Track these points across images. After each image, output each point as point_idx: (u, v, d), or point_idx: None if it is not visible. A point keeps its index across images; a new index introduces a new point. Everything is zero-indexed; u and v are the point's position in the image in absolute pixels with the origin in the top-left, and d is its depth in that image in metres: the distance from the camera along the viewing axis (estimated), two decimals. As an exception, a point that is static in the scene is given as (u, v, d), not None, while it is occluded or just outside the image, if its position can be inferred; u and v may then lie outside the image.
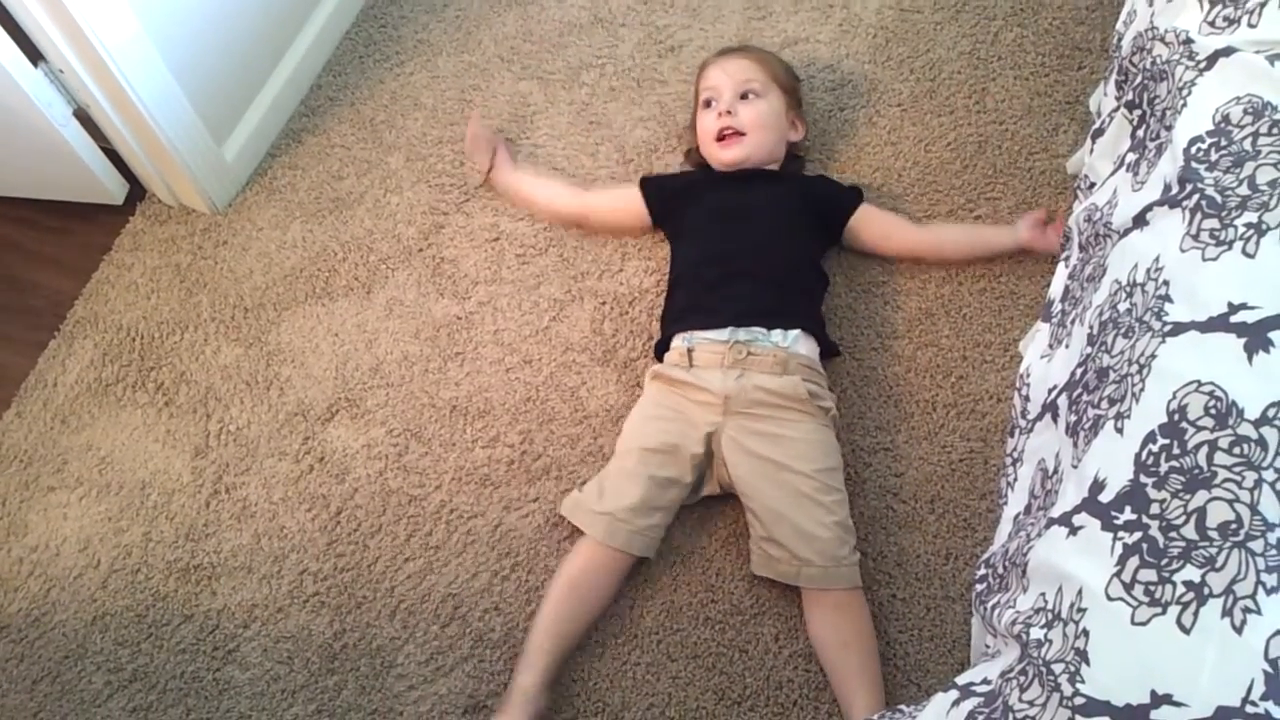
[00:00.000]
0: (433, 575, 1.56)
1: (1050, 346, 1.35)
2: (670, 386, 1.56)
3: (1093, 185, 1.50)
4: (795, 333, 1.55)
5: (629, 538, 1.47)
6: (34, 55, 1.63)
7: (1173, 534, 0.93)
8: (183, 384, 1.75)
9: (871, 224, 1.72)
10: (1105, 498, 0.99)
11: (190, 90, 1.77)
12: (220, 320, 1.81)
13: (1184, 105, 1.20)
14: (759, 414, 1.50)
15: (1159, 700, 0.85)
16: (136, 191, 1.94)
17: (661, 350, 1.63)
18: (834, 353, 1.63)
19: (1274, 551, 0.88)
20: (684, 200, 1.73)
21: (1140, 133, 1.34)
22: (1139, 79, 1.36)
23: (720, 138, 1.71)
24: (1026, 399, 1.36)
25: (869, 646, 1.42)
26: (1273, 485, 0.91)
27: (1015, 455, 1.34)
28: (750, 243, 1.63)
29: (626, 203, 1.78)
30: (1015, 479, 1.32)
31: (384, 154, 1.95)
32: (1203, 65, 1.21)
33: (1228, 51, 1.20)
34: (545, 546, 1.56)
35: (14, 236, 1.94)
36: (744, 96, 1.72)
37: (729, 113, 1.71)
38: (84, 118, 1.75)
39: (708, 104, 1.75)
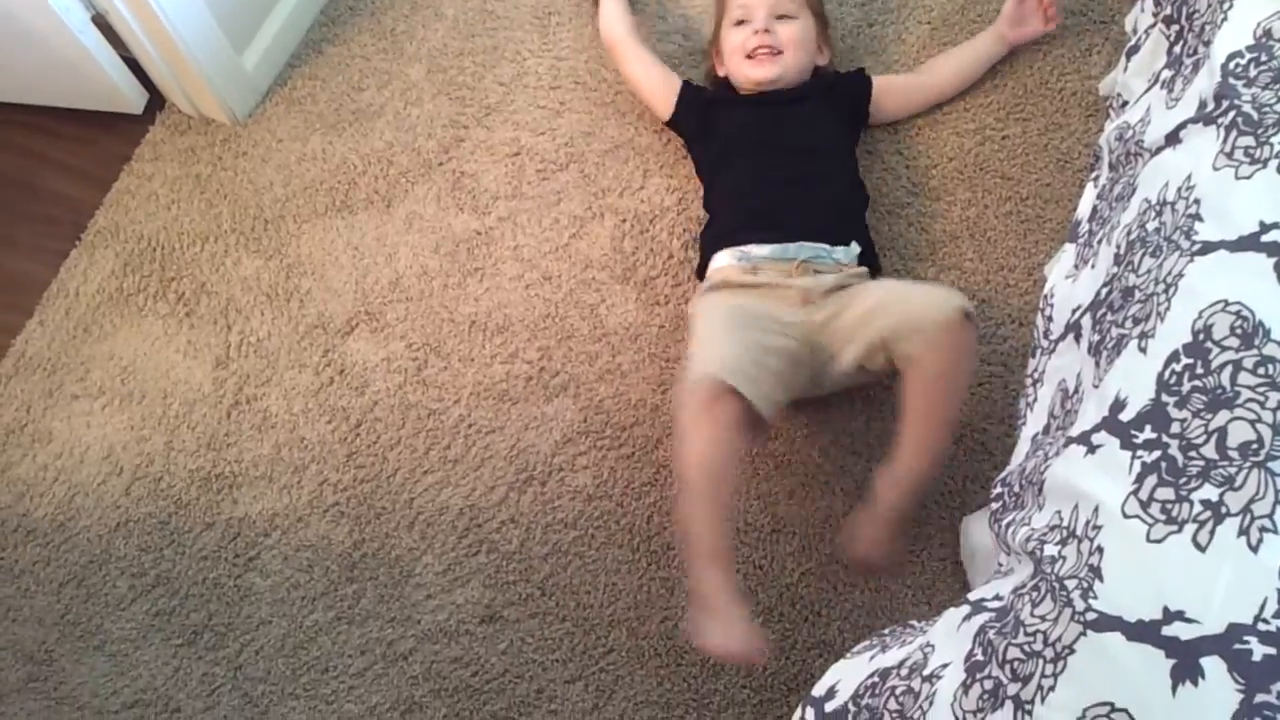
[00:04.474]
0: (450, 488, 1.57)
1: (1076, 267, 1.33)
2: (739, 289, 1.52)
3: (1125, 104, 1.46)
4: (855, 249, 1.55)
5: (747, 380, 1.35)
6: (51, -42, 1.61)
7: (1192, 453, 0.92)
8: (203, 295, 1.76)
9: (890, 97, 1.75)
10: (1126, 416, 0.98)
11: (210, -4, 1.75)
12: (240, 232, 1.80)
13: (1224, 20, 1.16)
14: (835, 294, 1.50)
15: (1171, 617, 0.85)
16: (156, 101, 1.92)
17: (703, 272, 1.61)
18: (877, 271, 1.62)
19: (1294, 471, 0.87)
20: (716, 118, 1.70)
21: (1177, 49, 1.30)
22: (1178, -7, 1.32)
23: (751, 55, 1.69)
24: (1049, 319, 1.35)
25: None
26: (1296, 405, 0.89)
27: (1036, 376, 1.33)
28: (800, 163, 1.61)
29: (662, 87, 1.76)
30: (1035, 399, 1.31)
31: (405, 65, 1.93)
32: (1245, -22, 1.18)
33: (1272, -36, 1.16)
34: (562, 461, 1.57)
35: (34, 145, 1.94)
36: (779, 18, 1.69)
37: (766, 31, 1.68)
38: (102, 24, 1.73)
39: (739, 23, 1.72)
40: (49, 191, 1.90)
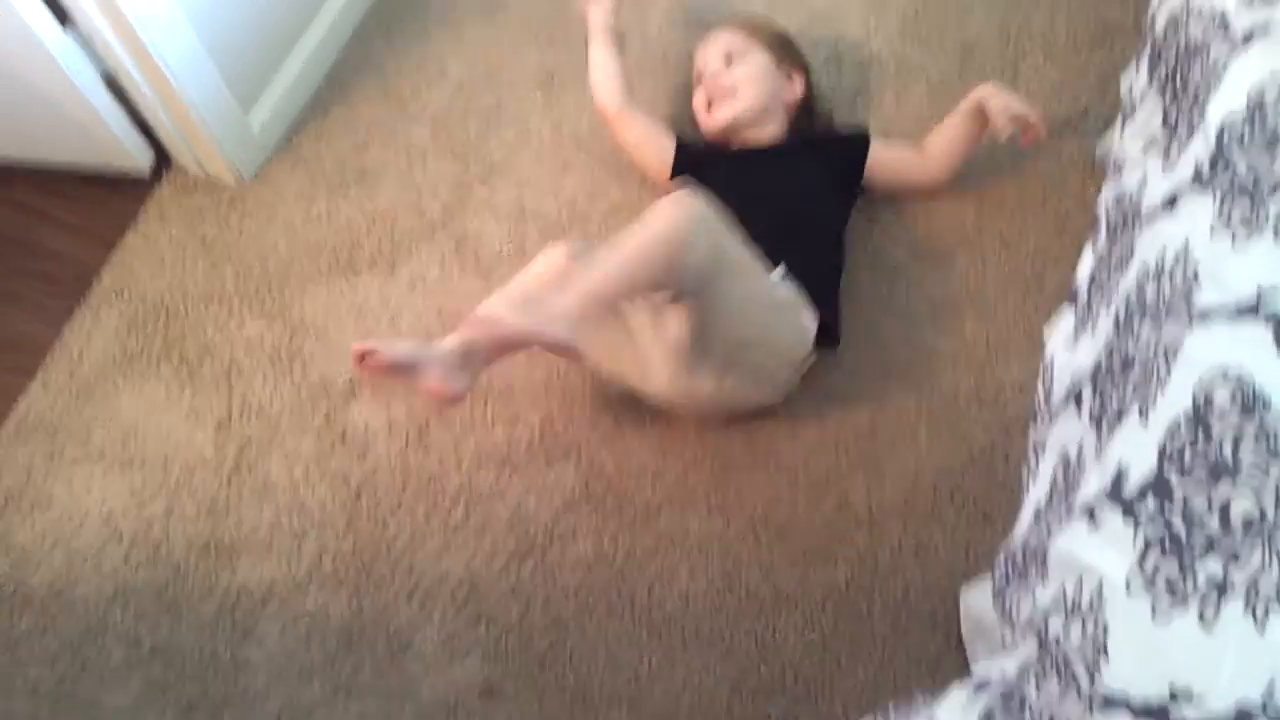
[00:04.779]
0: (450, 556, 1.56)
1: (1075, 333, 1.33)
2: None
3: (1122, 168, 1.47)
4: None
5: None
6: (62, 18, 1.63)
7: (1195, 526, 0.91)
8: (206, 357, 1.76)
9: (884, 169, 1.72)
10: (1128, 488, 0.97)
11: (218, 57, 1.77)
12: (244, 293, 1.81)
13: (1218, 85, 1.17)
14: None
15: (1178, 696, 0.84)
16: (163, 161, 1.94)
17: None
18: (833, 341, 1.61)
19: (1298, 547, 0.86)
20: (704, 176, 1.71)
21: (1172, 113, 1.31)
22: (1172, 58, 1.33)
23: (710, 107, 1.75)
24: (1049, 387, 1.34)
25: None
26: (1298, 479, 0.88)
27: (1037, 444, 1.32)
28: (766, 214, 1.60)
29: (657, 154, 1.77)
30: (1037, 468, 1.30)
31: (409, 126, 1.94)
32: (1238, 43, 1.18)
33: (1264, 29, 1.17)
34: (563, 529, 1.56)
35: (41, 205, 1.95)
36: (729, 62, 1.75)
37: (714, 81, 1.74)
38: (112, 84, 1.75)
39: (698, 82, 1.79)
40: (54, 251, 1.91)
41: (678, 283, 1.39)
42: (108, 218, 1.92)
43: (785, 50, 1.79)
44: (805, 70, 1.80)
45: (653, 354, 1.49)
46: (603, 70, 1.80)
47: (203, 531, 1.61)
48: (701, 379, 1.48)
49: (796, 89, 1.77)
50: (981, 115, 1.67)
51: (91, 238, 1.91)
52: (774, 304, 1.49)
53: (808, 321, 1.51)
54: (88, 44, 1.67)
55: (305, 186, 1.91)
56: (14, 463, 1.69)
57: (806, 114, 1.79)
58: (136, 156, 1.89)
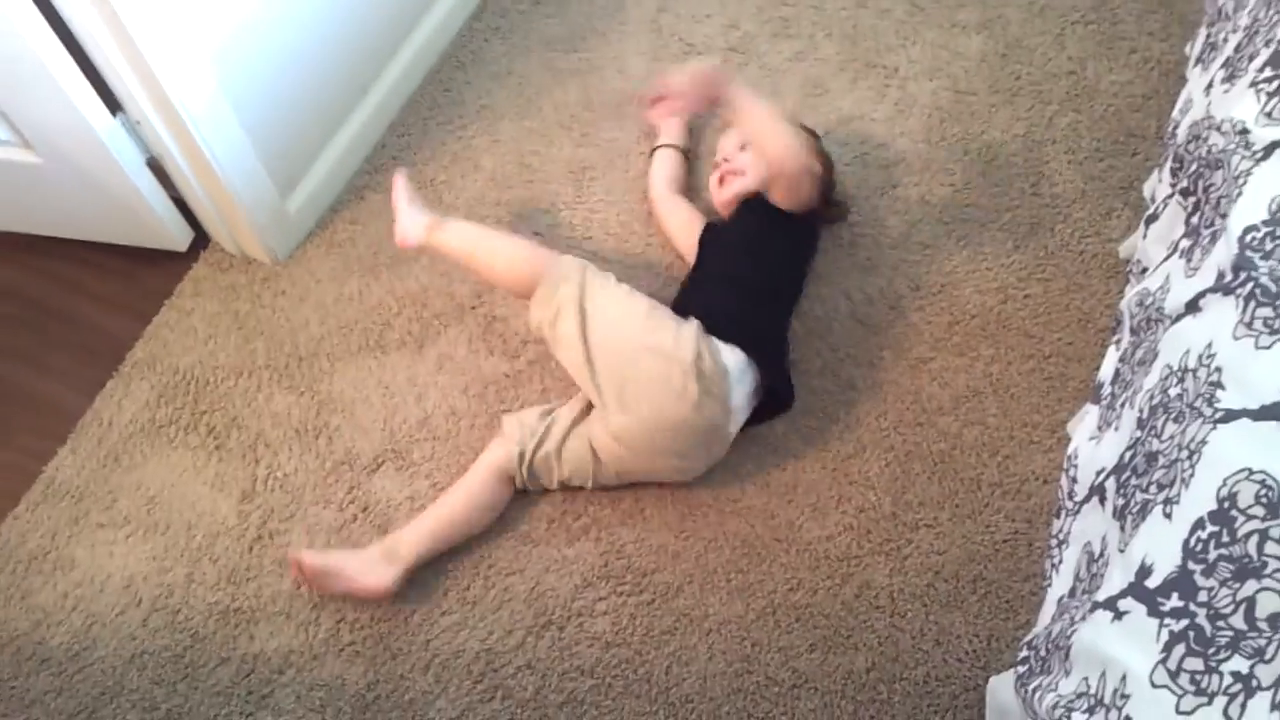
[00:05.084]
0: (467, 630, 1.56)
1: (1099, 429, 1.34)
2: None
3: (1145, 270, 1.50)
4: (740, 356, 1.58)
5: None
6: (113, 105, 1.69)
7: (1221, 623, 0.91)
8: (234, 428, 1.78)
9: (772, 184, 1.70)
10: (1152, 583, 0.98)
11: (260, 145, 1.82)
12: (274, 368, 1.84)
13: (1239, 194, 1.20)
14: None
15: (1203, 793, 0.83)
16: (200, 239, 1.99)
17: None
18: (783, 405, 1.66)
19: (1326, 645, 0.86)
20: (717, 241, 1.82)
21: (1194, 219, 1.34)
22: (1194, 167, 1.37)
23: (721, 185, 1.82)
24: (1074, 480, 1.35)
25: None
26: (1325, 577, 0.89)
27: (1061, 537, 1.33)
28: (708, 264, 1.75)
29: (691, 229, 1.85)
30: (1060, 561, 1.30)
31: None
32: (1259, 155, 1.22)
33: (1284, 143, 1.20)
34: (581, 606, 1.56)
35: (80, 278, 2.00)
36: (743, 148, 1.81)
37: (726, 160, 1.82)
38: (156, 167, 1.81)
39: (715, 166, 1.87)
40: (91, 323, 1.95)
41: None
42: (144, 292, 1.96)
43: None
44: (825, 164, 1.84)
45: (584, 435, 1.61)
46: (664, 164, 1.95)
47: (222, 598, 1.62)
48: (615, 417, 1.55)
49: None
50: (715, 101, 1.65)
51: (127, 310, 1.95)
52: (646, 321, 1.58)
53: (690, 330, 1.56)
54: (135, 130, 1.73)
55: (338, 268, 1.95)
56: (39, 525, 1.71)
57: (823, 205, 1.83)
58: (175, 235, 1.94)
